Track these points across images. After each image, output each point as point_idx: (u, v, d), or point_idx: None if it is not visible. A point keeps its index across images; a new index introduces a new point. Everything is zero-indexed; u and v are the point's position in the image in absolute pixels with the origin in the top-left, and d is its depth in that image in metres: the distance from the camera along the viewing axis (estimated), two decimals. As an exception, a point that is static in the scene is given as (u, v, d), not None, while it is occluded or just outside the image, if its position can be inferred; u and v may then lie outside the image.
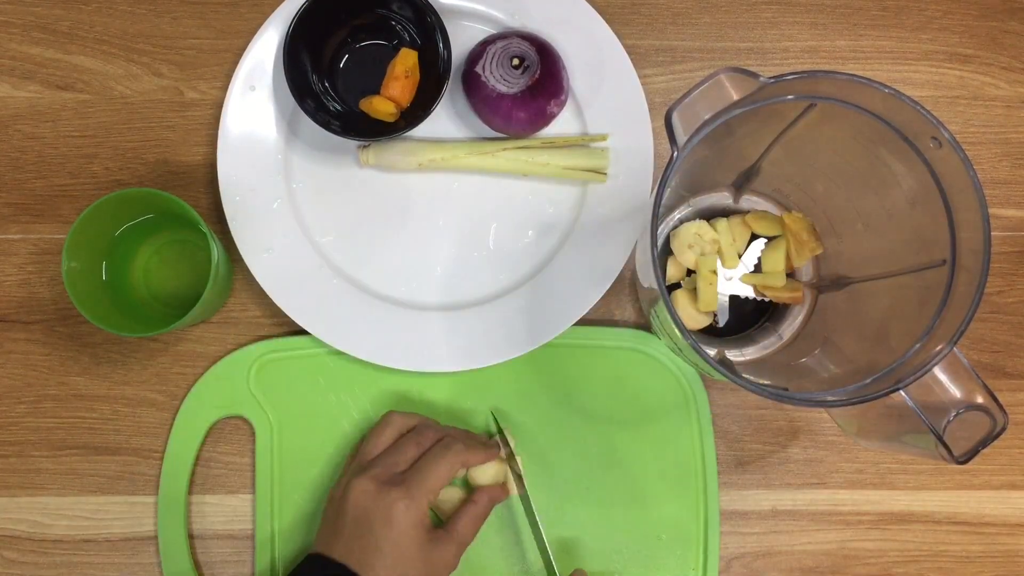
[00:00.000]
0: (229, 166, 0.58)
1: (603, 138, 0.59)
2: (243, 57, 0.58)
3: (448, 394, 0.59)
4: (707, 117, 0.43)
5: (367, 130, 0.57)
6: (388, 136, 0.57)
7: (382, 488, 0.49)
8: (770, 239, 0.58)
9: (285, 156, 0.59)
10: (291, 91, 0.55)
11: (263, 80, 0.59)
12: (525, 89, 0.56)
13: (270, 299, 0.57)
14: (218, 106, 0.60)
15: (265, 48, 0.59)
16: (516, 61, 0.56)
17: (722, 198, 0.59)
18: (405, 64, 0.57)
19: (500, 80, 0.56)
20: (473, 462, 0.54)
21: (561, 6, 0.60)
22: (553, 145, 0.59)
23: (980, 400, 0.42)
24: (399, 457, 0.52)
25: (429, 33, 0.56)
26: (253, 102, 0.59)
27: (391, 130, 0.57)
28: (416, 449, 0.52)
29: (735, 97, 0.43)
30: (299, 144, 0.60)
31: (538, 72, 0.56)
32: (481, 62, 0.57)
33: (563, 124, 0.60)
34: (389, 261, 0.59)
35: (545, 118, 0.57)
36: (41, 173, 0.60)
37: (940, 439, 0.42)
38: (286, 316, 0.57)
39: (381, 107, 0.57)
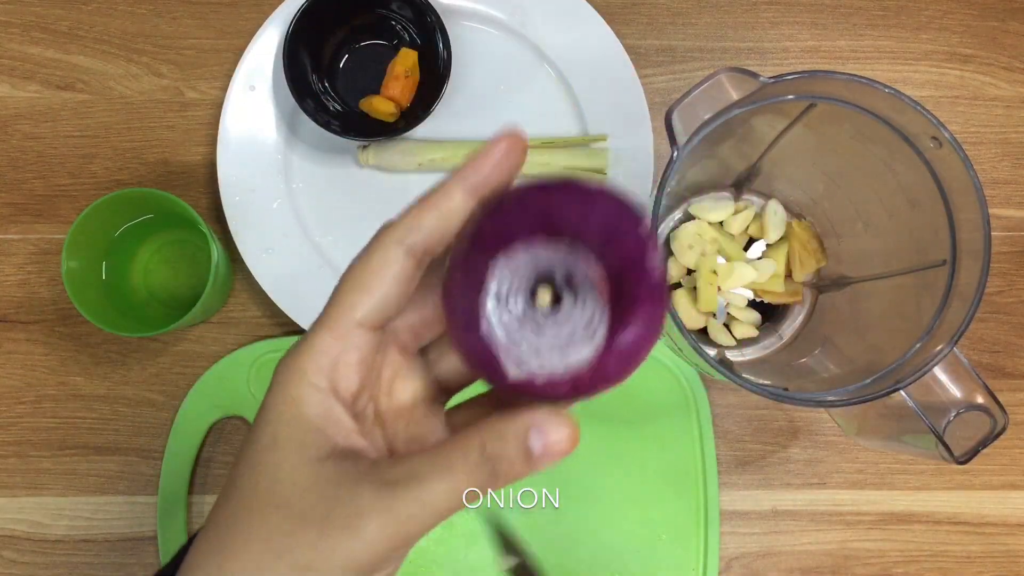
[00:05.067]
0: (229, 166, 0.58)
1: (603, 138, 0.59)
2: (243, 57, 0.58)
3: (448, 394, 0.59)
4: (707, 117, 0.43)
5: (367, 130, 0.57)
6: (388, 136, 0.57)
7: None
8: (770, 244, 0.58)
9: (285, 156, 0.59)
10: (291, 91, 0.55)
11: (263, 80, 0.59)
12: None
13: (270, 299, 0.57)
14: (218, 106, 0.60)
15: (265, 48, 0.59)
16: (547, 297, 0.24)
17: (722, 198, 0.59)
18: (405, 64, 0.57)
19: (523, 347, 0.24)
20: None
21: (561, 6, 0.59)
22: (553, 145, 0.59)
23: (980, 400, 0.42)
24: None
25: (429, 33, 0.56)
26: (253, 102, 0.59)
27: (391, 130, 0.57)
28: None
29: (735, 97, 0.43)
30: (299, 144, 0.60)
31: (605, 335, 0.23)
32: (483, 291, 0.24)
33: (563, 124, 0.60)
34: (389, 261, 0.59)
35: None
36: (41, 173, 0.60)
37: (940, 439, 0.42)
38: (286, 316, 0.57)
39: (381, 107, 0.57)
